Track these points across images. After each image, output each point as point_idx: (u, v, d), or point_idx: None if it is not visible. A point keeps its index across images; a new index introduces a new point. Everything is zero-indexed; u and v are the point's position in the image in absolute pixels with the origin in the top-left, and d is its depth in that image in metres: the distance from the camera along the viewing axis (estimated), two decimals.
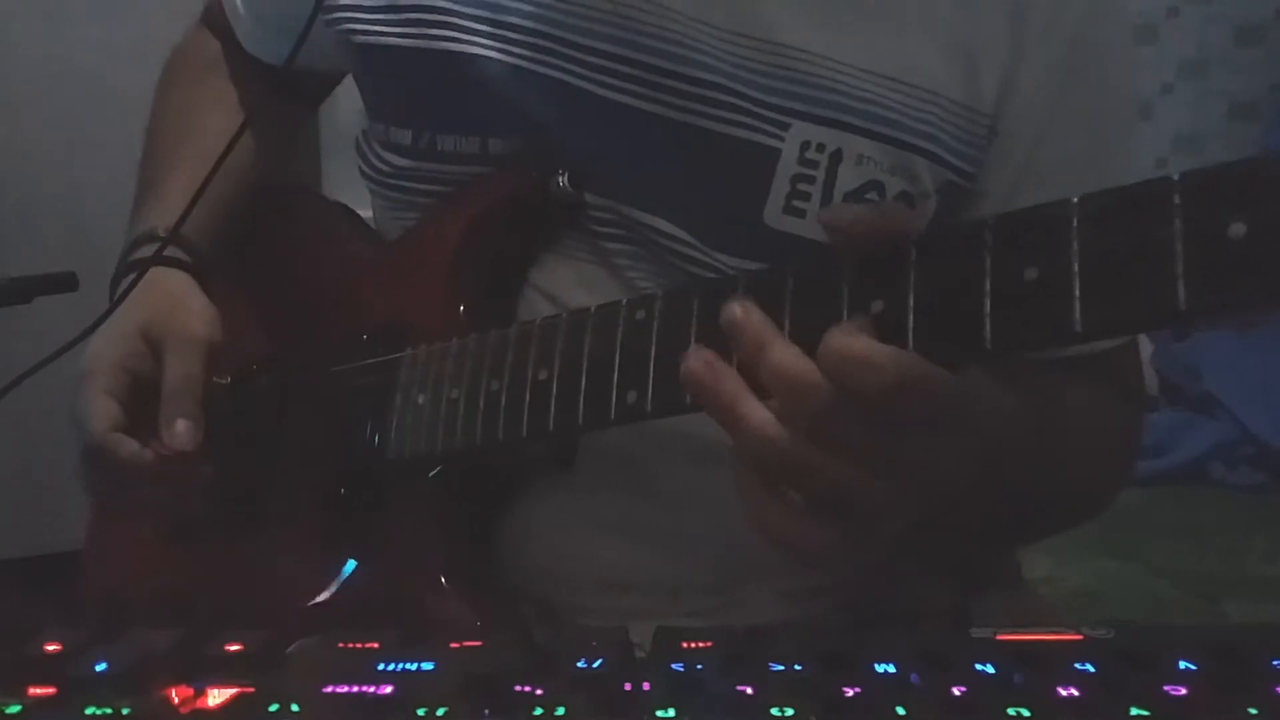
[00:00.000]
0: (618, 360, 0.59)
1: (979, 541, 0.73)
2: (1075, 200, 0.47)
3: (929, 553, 0.73)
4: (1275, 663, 0.44)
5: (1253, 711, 0.40)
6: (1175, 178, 0.44)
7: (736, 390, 0.51)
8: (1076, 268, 0.46)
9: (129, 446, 0.75)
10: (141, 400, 0.77)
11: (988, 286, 0.48)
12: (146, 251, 0.81)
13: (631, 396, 0.58)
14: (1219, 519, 2.33)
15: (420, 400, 0.71)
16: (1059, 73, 0.71)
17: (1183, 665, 0.44)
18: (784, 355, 0.50)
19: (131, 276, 0.79)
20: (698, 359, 0.52)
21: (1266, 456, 2.48)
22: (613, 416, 0.59)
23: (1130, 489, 0.79)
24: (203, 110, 0.93)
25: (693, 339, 0.56)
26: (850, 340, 0.48)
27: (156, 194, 0.87)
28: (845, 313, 0.51)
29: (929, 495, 0.52)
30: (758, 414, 0.50)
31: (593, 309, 0.62)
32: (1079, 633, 0.48)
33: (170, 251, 0.81)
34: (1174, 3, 3.19)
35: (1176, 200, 0.44)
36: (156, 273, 0.80)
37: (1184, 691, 0.42)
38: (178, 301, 0.80)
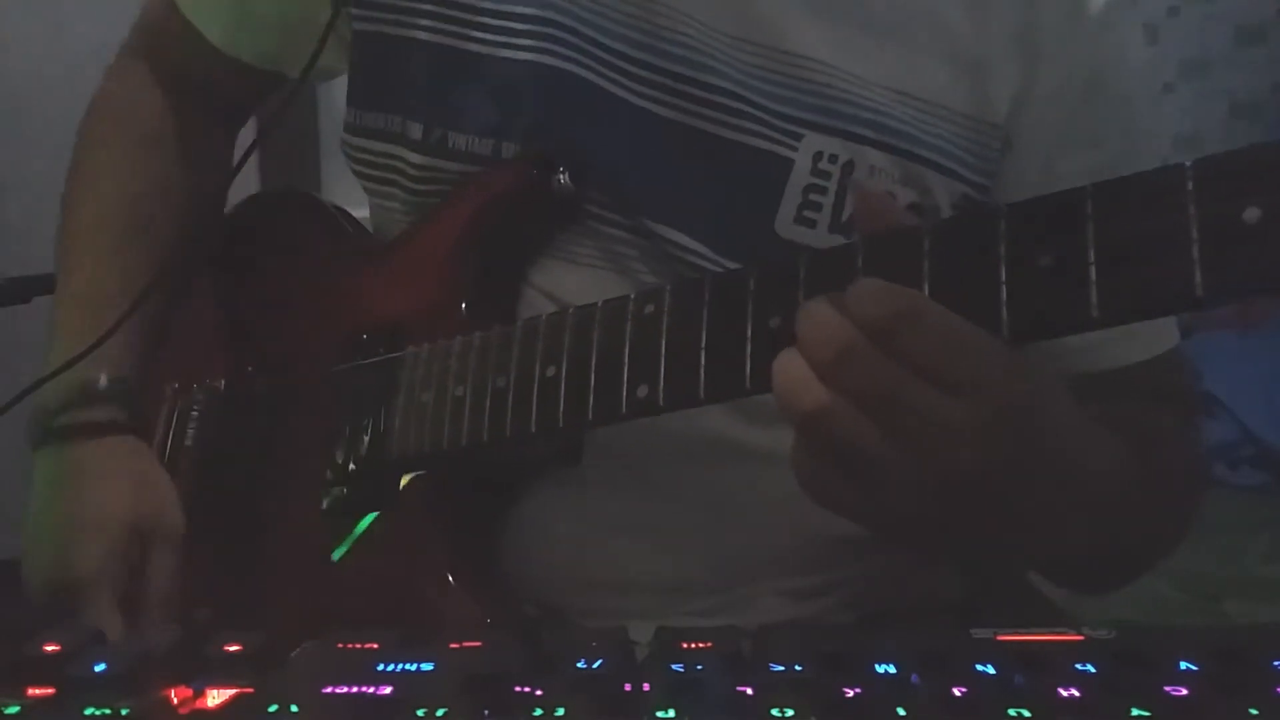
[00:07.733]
0: (627, 354, 0.59)
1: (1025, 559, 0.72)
2: (1089, 187, 0.47)
3: (963, 555, 0.73)
4: (1276, 663, 0.44)
5: (1254, 712, 0.40)
6: (1187, 164, 0.45)
7: (803, 374, 0.49)
8: (1092, 255, 0.46)
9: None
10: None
11: (1003, 275, 0.48)
12: (97, 413, 0.79)
13: (643, 391, 0.58)
14: (1219, 519, 2.32)
15: (424, 398, 0.71)
16: (1073, 85, 0.71)
17: (1184, 665, 0.44)
18: (817, 306, 0.49)
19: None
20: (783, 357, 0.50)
21: (1267, 456, 2.48)
22: (624, 411, 0.59)
23: None
24: (135, 190, 0.87)
25: (704, 331, 0.56)
26: (890, 289, 0.47)
27: (92, 316, 0.80)
28: None
29: (962, 474, 0.49)
30: (814, 388, 0.48)
31: (599, 304, 0.62)
32: (1079, 633, 0.48)
33: (113, 413, 0.79)
34: (1174, 2, 3.19)
35: (1190, 187, 0.44)
36: (114, 443, 0.78)
37: (1185, 692, 0.42)
38: (151, 484, 0.79)
